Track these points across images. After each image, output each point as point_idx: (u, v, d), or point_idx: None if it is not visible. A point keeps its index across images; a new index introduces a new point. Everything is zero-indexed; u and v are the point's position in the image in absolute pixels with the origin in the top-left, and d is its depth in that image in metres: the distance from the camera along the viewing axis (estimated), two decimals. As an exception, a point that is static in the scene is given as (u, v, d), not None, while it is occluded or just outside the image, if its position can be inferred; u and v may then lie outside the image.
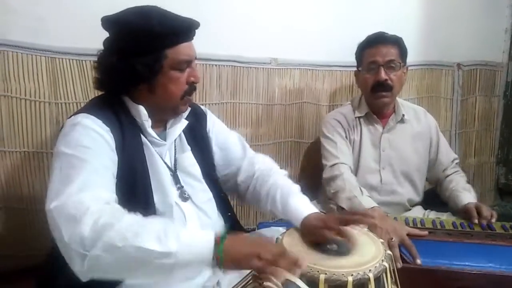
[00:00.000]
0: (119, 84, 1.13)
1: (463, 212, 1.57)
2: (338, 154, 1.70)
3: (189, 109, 1.24)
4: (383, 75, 1.65)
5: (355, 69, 1.88)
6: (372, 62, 1.68)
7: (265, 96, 2.10)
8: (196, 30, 1.17)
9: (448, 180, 1.77)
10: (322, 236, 1.06)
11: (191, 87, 1.17)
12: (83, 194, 0.91)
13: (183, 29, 1.12)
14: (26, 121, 1.60)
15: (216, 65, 1.94)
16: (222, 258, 0.87)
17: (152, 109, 1.15)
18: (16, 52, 1.55)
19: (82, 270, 0.86)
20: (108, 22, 1.11)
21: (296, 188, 1.29)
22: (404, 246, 1.27)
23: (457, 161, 1.86)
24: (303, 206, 1.20)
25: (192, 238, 0.89)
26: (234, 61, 1.98)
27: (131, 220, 0.90)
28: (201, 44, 1.83)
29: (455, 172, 1.80)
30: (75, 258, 0.86)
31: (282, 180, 1.32)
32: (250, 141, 2.08)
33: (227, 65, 1.96)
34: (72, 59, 1.64)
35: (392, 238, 1.27)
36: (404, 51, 1.72)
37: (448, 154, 1.83)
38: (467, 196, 1.64)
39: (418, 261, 1.23)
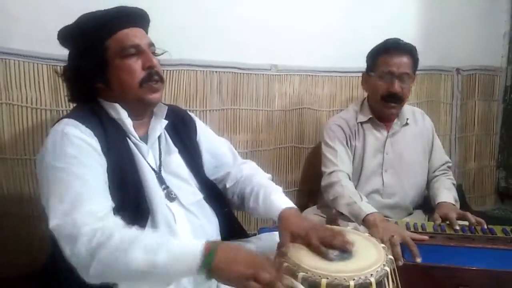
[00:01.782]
0: (78, 89, 1.17)
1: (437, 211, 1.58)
2: (338, 162, 1.70)
3: (165, 107, 1.24)
4: (397, 87, 1.66)
5: (354, 74, 1.88)
6: (388, 72, 1.67)
7: (265, 102, 2.10)
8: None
9: (434, 181, 1.80)
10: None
11: (151, 72, 1.14)
12: (76, 212, 0.94)
13: (114, 18, 1.13)
14: (28, 129, 1.61)
15: (216, 71, 1.94)
16: (211, 273, 0.87)
17: (124, 107, 1.15)
18: (18, 60, 1.56)
19: (89, 280, 0.92)
20: (59, 40, 1.19)
21: (279, 188, 1.29)
22: (406, 244, 1.28)
23: (449, 164, 1.87)
24: (281, 201, 1.21)
25: (181, 252, 0.90)
26: (235, 67, 1.98)
27: (120, 238, 0.91)
28: (202, 51, 1.88)
29: (443, 174, 1.82)
30: (80, 272, 0.92)
31: (265, 181, 1.32)
32: (251, 147, 2.08)
33: (227, 72, 1.97)
34: (74, 67, 1.64)
35: (393, 236, 1.28)
36: (416, 61, 1.74)
37: (440, 157, 1.85)
38: (444, 194, 1.65)
39: (418, 260, 1.23)
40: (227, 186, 1.37)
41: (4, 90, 1.55)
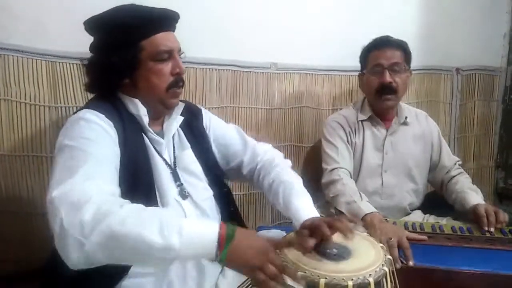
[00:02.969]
0: (103, 81, 1.15)
1: (472, 213, 1.53)
2: (339, 158, 1.70)
3: (182, 104, 1.24)
4: (387, 77, 1.65)
5: (354, 73, 1.87)
6: (377, 65, 1.68)
7: (265, 100, 2.10)
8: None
9: (453, 182, 1.75)
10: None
11: (177, 79, 1.16)
12: (87, 183, 0.90)
13: (155, 19, 1.13)
14: (26, 125, 1.60)
15: (216, 69, 1.94)
16: (224, 261, 0.87)
17: (144, 104, 1.15)
18: (17, 56, 1.55)
19: (77, 261, 0.83)
20: (87, 25, 1.15)
21: (299, 184, 1.28)
22: (401, 247, 1.27)
23: (459, 163, 1.85)
24: (304, 209, 1.19)
25: (195, 234, 0.86)
26: (234, 65, 1.98)
27: (133, 208, 0.88)
28: (201, 48, 1.87)
29: (459, 173, 1.79)
30: (71, 246, 0.82)
31: (285, 174, 1.31)
32: (250, 145, 2.08)
33: (227, 69, 1.97)
34: (72, 63, 1.64)
35: (391, 238, 1.28)
36: (409, 55, 1.73)
37: (450, 157, 1.83)
38: (474, 196, 1.62)
39: (411, 263, 1.23)
40: (244, 173, 1.37)
41: (2, 86, 1.54)
